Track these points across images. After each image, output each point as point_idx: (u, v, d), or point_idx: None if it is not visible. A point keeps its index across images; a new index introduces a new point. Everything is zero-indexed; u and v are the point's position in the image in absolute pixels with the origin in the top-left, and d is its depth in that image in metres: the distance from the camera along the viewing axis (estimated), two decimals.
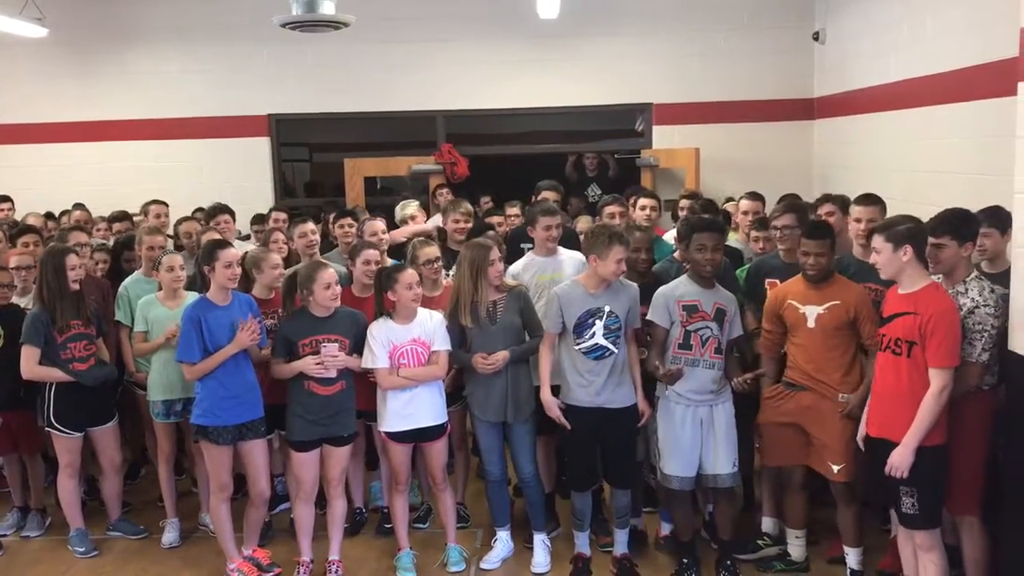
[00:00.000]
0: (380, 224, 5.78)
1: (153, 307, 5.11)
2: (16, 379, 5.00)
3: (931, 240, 3.96)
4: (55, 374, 4.92)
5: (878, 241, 3.87)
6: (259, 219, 7.39)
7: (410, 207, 6.38)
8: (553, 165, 9.21)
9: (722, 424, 4.52)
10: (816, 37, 8.66)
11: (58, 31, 8.57)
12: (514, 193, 7.08)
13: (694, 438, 4.49)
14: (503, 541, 4.93)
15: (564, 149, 9.68)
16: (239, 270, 4.66)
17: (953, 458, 3.91)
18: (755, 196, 6.18)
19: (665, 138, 9.06)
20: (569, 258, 5.10)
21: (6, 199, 8.05)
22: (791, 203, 5.58)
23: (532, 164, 8.62)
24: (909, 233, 3.82)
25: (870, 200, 4.83)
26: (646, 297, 4.61)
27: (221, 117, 9.15)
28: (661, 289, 4.59)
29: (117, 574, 4.99)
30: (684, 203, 6.64)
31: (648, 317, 4.58)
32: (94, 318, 5.10)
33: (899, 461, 3.78)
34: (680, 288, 4.55)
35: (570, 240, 5.41)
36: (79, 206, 7.89)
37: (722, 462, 4.51)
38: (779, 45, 8.83)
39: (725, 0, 8.82)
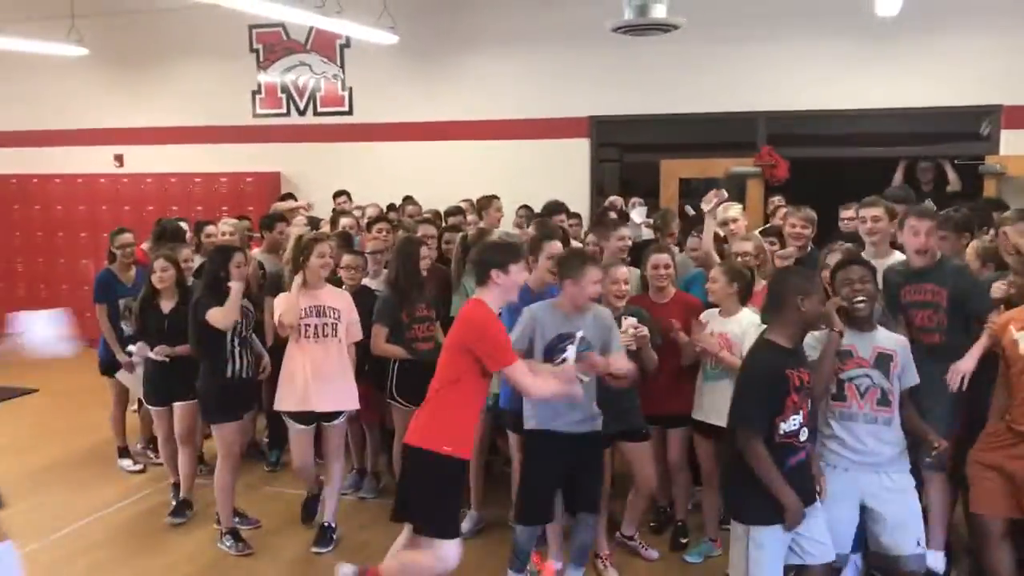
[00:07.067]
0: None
1: None
2: (363, 355, 5.47)
3: None
4: (398, 352, 5.33)
5: None
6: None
7: (732, 209, 6.21)
8: (877, 170, 8.63)
9: (900, 496, 3.79)
10: None
11: (408, 38, 9.27)
12: (841, 198, 6.64)
13: (851, 515, 3.81)
14: None
15: (893, 154, 8.94)
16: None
17: None
18: None
19: (1016, 144, 8.20)
20: None
21: (342, 193, 8.91)
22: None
23: (853, 168, 8.12)
24: None
25: None
26: None
27: (545, 119, 9.49)
28: None
29: None
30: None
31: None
32: (434, 303, 5.50)
33: None
34: None
35: None
36: (408, 199, 8.46)
37: (906, 541, 3.79)
38: None
39: None
